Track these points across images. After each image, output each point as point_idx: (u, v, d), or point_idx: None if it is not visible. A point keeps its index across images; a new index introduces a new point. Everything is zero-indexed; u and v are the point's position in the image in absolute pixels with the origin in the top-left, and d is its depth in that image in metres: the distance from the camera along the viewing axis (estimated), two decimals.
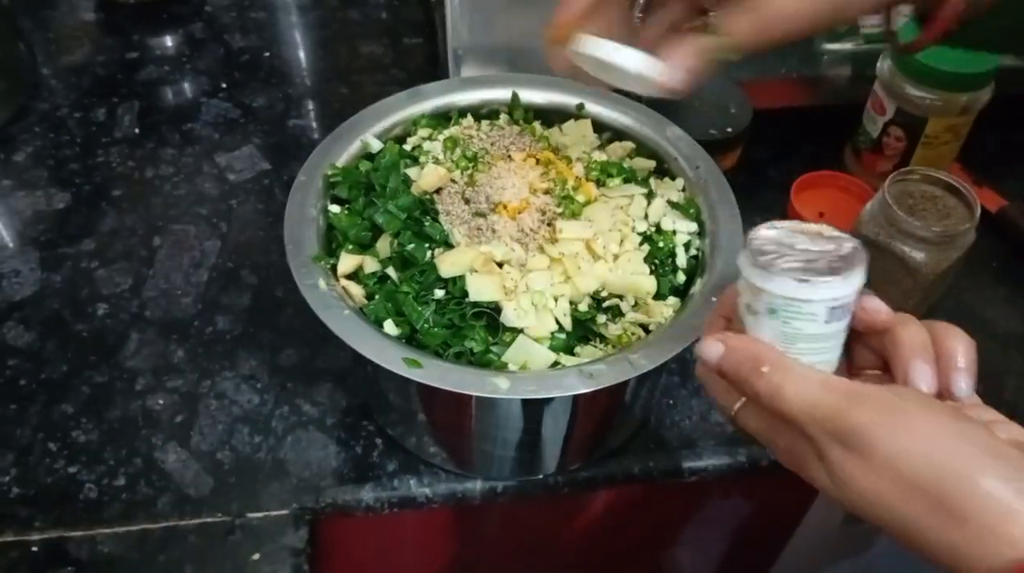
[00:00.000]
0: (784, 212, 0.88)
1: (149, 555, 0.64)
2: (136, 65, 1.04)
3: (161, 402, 0.73)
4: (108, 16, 1.11)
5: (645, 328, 0.60)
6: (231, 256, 0.84)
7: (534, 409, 0.61)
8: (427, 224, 0.61)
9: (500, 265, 0.60)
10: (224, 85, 1.02)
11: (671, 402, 0.74)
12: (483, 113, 0.74)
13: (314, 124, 0.98)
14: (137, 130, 0.96)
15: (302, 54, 1.08)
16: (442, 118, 0.72)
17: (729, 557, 1.02)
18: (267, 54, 1.06)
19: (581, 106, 0.73)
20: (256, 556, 0.65)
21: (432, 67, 1.03)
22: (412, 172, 0.65)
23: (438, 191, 0.64)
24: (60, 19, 1.11)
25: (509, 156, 0.66)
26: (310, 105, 1.00)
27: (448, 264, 0.58)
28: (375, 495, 0.68)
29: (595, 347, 0.60)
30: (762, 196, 0.90)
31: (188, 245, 0.84)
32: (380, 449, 0.70)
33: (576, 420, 0.64)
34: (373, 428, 0.71)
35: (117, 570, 0.64)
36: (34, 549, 0.65)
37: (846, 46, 0.87)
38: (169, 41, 1.09)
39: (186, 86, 1.02)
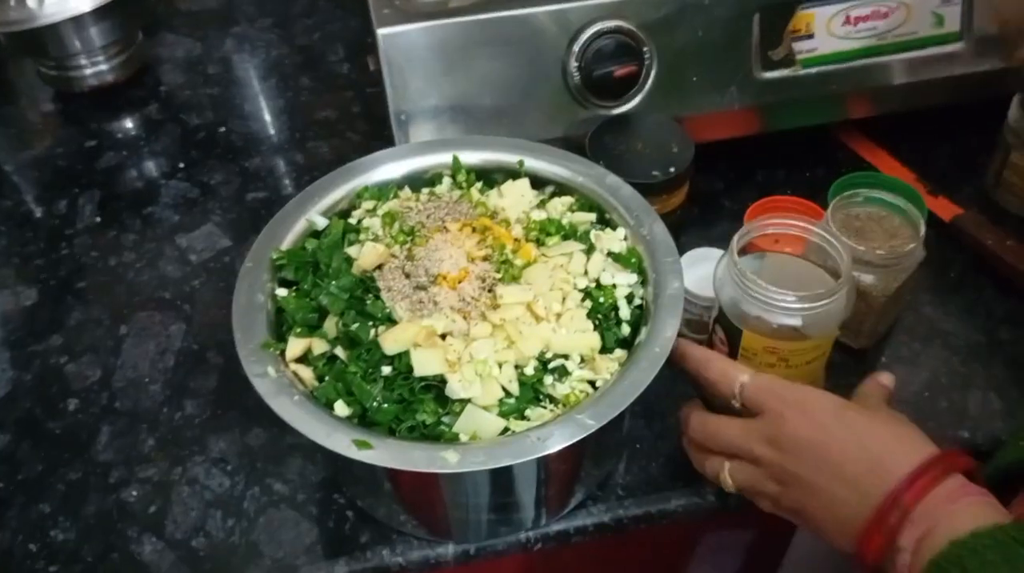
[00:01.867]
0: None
1: None
2: (95, 153, 1.06)
3: (135, 493, 0.73)
4: (66, 106, 1.13)
5: (593, 384, 0.61)
6: (196, 338, 0.85)
7: (497, 474, 0.62)
8: (369, 302, 0.62)
9: (443, 337, 0.61)
10: (182, 165, 1.03)
11: (638, 446, 0.75)
12: (426, 178, 0.75)
13: (272, 195, 0.99)
14: (99, 218, 0.98)
15: (257, 125, 1.09)
16: (384, 189, 0.74)
17: None
18: (222, 129, 1.08)
19: (521, 163, 0.74)
20: None
21: (388, 124, 1.04)
22: (353, 250, 0.66)
23: (379, 268, 0.65)
24: (19, 114, 1.13)
25: (445, 227, 0.67)
26: (267, 177, 1.01)
27: (391, 341, 0.59)
28: (349, 569, 0.68)
29: (545, 409, 0.60)
30: (717, 226, 0.91)
31: (153, 331, 0.85)
32: (352, 522, 0.71)
33: (541, 479, 0.65)
34: (343, 501, 0.72)
35: None
36: None
37: (783, 73, 0.88)
38: (127, 124, 1.10)
39: (145, 169, 1.04)
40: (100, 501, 0.73)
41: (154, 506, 0.73)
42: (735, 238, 0.67)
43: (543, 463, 0.63)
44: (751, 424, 0.61)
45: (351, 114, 1.09)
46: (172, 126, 1.09)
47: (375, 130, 1.06)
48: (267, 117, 1.11)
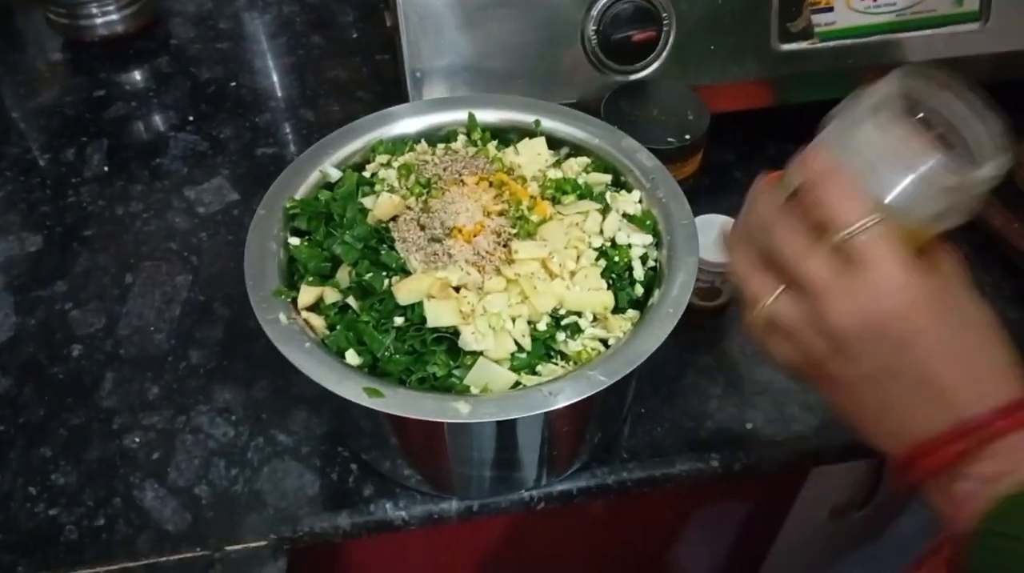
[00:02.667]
0: None
1: None
2: (104, 103, 1.05)
3: (137, 440, 0.73)
4: (75, 55, 1.12)
5: (605, 342, 0.61)
6: (203, 289, 0.84)
7: (504, 429, 0.62)
8: (383, 253, 0.62)
9: (457, 289, 0.60)
10: (191, 118, 1.03)
11: (643, 411, 0.75)
12: (441, 135, 0.74)
13: (281, 152, 0.98)
14: (106, 168, 0.97)
15: (268, 82, 1.08)
16: (400, 143, 0.73)
17: (718, 558, 1.02)
18: (233, 84, 1.07)
19: (537, 122, 0.74)
20: None
21: (397, 88, 1.04)
22: (368, 201, 0.66)
23: (394, 219, 0.64)
24: (28, 62, 1.12)
25: (462, 180, 0.66)
26: (277, 133, 1.01)
27: (405, 291, 0.59)
28: (352, 521, 0.69)
29: (556, 365, 0.60)
30: (728, 198, 0.90)
31: (160, 281, 0.85)
32: (355, 475, 0.71)
33: (547, 437, 0.65)
34: (347, 454, 0.72)
35: None
36: None
37: (802, 45, 0.87)
38: (136, 76, 1.09)
39: (154, 121, 1.03)
40: (103, 447, 0.73)
41: (157, 453, 0.72)
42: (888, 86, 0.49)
43: (550, 420, 0.63)
44: (842, 266, 0.48)
45: (362, 75, 1.09)
46: (182, 79, 1.08)
47: (386, 91, 1.05)
48: (277, 74, 1.10)
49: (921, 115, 0.50)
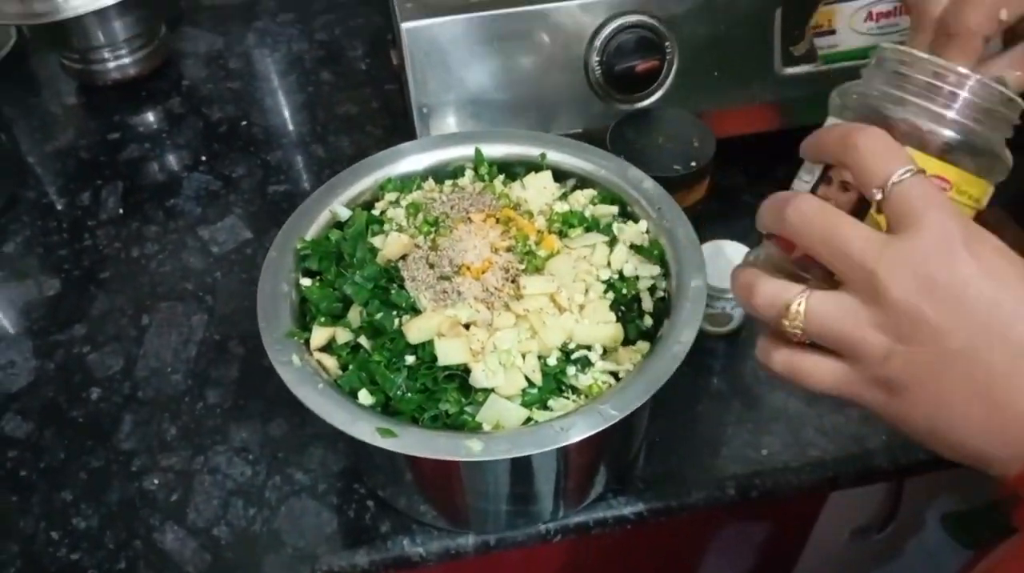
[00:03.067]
0: (761, 236, 0.88)
1: None
2: (118, 145, 1.06)
3: (156, 482, 0.74)
4: (89, 99, 1.14)
5: (616, 375, 0.61)
6: (218, 328, 0.85)
7: (518, 464, 0.62)
8: (393, 292, 0.63)
9: (467, 326, 0.61)
10: (204, 157, 1.04)
11: (657, 439, 0.75)
12: (448, 171, 0.75)
13: (293, 188, 0.99)
14: (122, 210, 0.98)
15: (279, 119, 1.10)
16: (408, 180, 0.74)
17: None
18: (244, 122, 1.09)
19: (543, 156, 0.74)
20: None
21: (406, 120, 1.05)
22: (377, 241, 0.66)
23: (403, 258, 0.65)
24: (43, 106, 1.14)
25: (469, 218, 0.67)
26: (288, 170, 1.02)
27: (415, 330, 0.60)
28: (370, 558, 0.69)
29: (567, 399, 0.60)
30: (738, 221, 0.91)
31: (176, 321, 0.86)
32: (372, 511, 0.71)
33: (561, 470, 0.65)
34: (364, 491, 0.72)
35: None
36: None
37: (806, 68, 0.88)
38: (149, 118, 1.11)
39: (167, 161, 1.04)
40: (122, 489, 0.74)
41: (176, 495, 0.73)
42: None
43: (564, 454, 0.63)
44: (891, 234, 0.41)
45: (371, 109, 1.10)
46: (194, 119, 1.10)
47: (396, 125, 1.06)
48: (288, 111, 1.11)
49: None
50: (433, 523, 0.70)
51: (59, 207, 0.99)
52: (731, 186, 0.94)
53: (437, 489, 0.67)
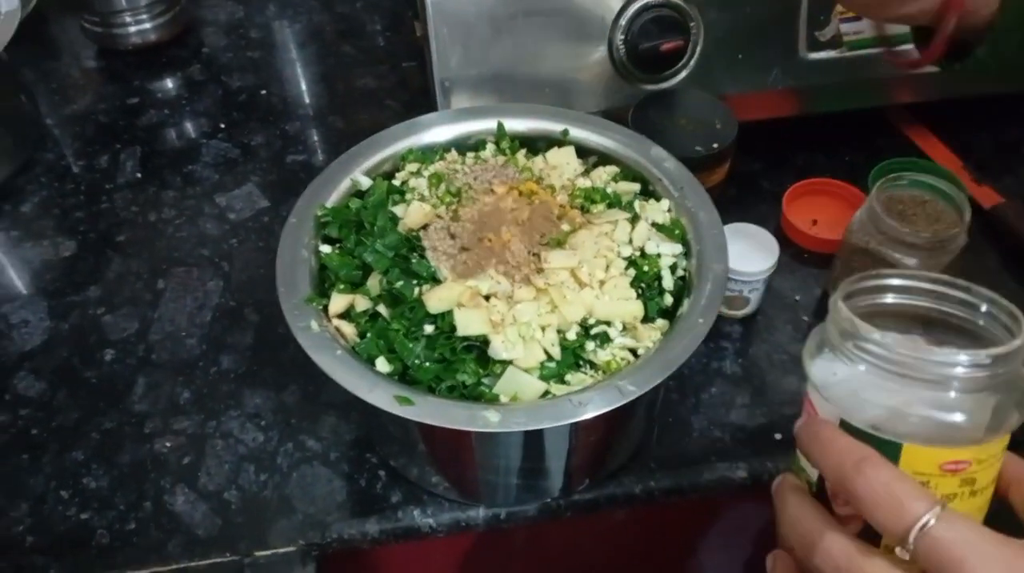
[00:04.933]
0: (778, 221, 0.88)
1: None
2: (137, 110, 1.06)
3: (169, 445, 0.74)
4: (109, 63, 1.14)
5: (634, 352, 0.61)
6: (233, 295, 0.85)
7: (532, 438, 0.62)
8: (414, 261, 0.62)
9: (487, 298, 0.61)
10: (223, 125, 1.04)
11: (670, 420, 0.75)
12: (470, 144, 0.75)
13: (310, 159, 0.99)
14: (139, 174, 0.98)
15: (298, 90, 1.09)
16: (430, 151, 0.74)
17: (743, 565, 1.02)
18: (264, 92, 1.08)
19: (566, 132, 0.74)
20: None
21: (425, 96, 1.05)
22: (399, 210, 0.66)
23: (424, 227, 0.65)
24: (63, 69, 1.14)
25: (492, 190, 0.67)
26: (307, 141, 1.02)
27: (435, 300, 0.59)
28: (380, 527, 0.69)
29: (585, 374, 0.60)
30: (755, 207, 0.91)
31: (191, 286, 0.86)
32: (383, 481, 0.71)
33: (575, 445, 0.65)
34: (376, 460, 0.72)
35: None
36: None
37: (830, 54, 0.87)
38: (169, 84, 1.11)
39: (186, 128, 1.04)
40: (134, 451, 0.74)
41: (188, 458, 0.73)
42: (840, 303, 0.44)
43: (578, 429, 0.63)
44: None
45: (390, 83, 1.10)
46: (213, 87, 1.09)
47: (414, 100, 1.06)
48: (306, 83, 1.11)
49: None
50: (444, 495, 0.70)
51: (76, 170, 0.99)
52: (750, 171, 0.94)
53: (450, 460, 0.67)
